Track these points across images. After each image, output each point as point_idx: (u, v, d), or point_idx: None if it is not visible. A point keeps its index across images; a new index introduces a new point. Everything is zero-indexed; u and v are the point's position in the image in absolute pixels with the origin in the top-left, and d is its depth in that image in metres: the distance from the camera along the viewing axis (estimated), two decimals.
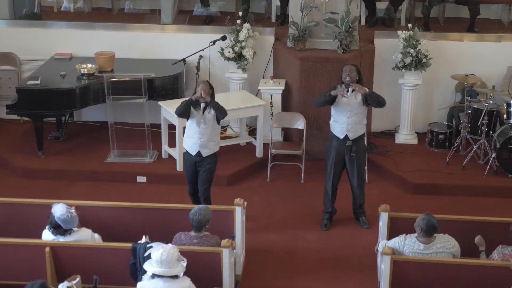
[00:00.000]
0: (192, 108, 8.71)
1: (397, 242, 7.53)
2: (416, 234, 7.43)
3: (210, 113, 8.70)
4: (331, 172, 9.25)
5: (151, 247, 6.87)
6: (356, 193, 9.31)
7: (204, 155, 8.82)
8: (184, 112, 8.75)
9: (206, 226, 7.60)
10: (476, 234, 7.82)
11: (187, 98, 8.82)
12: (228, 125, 11.75)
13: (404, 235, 7.56)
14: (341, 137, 9.06)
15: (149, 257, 6.77)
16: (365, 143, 9.49)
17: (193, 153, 8.83)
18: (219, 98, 11.13)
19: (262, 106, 10.89)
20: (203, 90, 8.58)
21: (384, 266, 7.41)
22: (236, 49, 11.16)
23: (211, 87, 8.77)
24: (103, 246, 7.60)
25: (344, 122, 9.00)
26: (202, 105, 8.68)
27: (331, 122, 9.18)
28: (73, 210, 7.48)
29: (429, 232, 7.33)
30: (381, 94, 11.34)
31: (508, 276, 6.99)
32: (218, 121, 8.77)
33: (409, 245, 7.44)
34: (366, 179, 10.23)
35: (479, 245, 7.71)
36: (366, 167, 9.87)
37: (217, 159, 8.99)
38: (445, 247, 7.41)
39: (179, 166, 10.36)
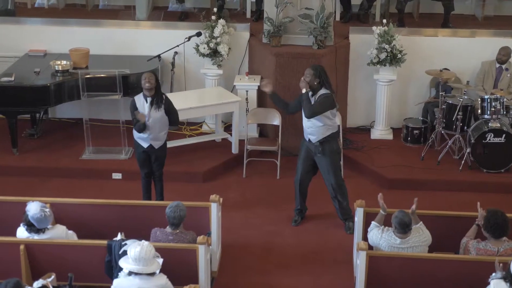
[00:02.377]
0: (137, 107, 8.84)
1: (375, 234, 7.59)
2: (393, 228, 7.49)
3: (158, 112, 8.83)
4: (299, 168, 9.27)
5: (126, 244, 6.85)
6: (332, 195, 9.21)
7: (156, 147, 8.99)
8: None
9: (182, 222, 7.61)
10: (451, 228, 7.88)
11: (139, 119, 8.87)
12: (204, 121, 11.73)
13: (382, 227, 7.60)
14: (306, 139, 9.10)
15: (124, 254, 6.74)
16: (338, 143, 9.27)
17: (145, 146, 8.99)
18: (194, 94, 11.19)
19: (237, 102, 10.89)
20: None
21: (360, 262, 7.44)
22: (211, 45, 11.14)
23: (157, 79, 8.89)
24: (78, 244, 7.57)
25: (305, 125, 9.05)
26: (149, 99, 8.79)
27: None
28: (47, 210, 7.41)
29: (402, 230, 7.38)
30: (356, 90, 11.45)
31: (482, 271, 7.02)
32: (167, 113, 8.94)
33: (385, 238, 7.49)
34: (342, 174, 10.28)
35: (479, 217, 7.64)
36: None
37: (166, 143, 9.18)
38: (420, 240, 7.47)
39: None
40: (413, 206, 7.67)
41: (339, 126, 9.72)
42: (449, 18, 12.10)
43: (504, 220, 7.36)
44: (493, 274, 6.72)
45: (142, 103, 8.84)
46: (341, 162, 9.76)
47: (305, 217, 9.49)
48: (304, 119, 8.98)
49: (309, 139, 9.03)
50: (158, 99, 8.83)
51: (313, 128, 8.94)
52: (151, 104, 8.80)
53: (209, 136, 11.36)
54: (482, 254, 7.36)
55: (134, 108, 8.88)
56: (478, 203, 7.73)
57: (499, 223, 7.33)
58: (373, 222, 7.74)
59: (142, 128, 8.81)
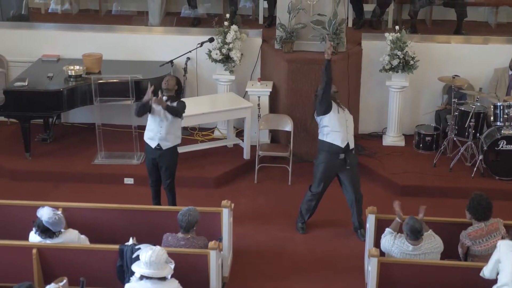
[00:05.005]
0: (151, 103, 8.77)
1: (387, 240, 7.59)
2: (405, 235, 7.48)
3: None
4: (322, 183, 9.13)
5: (139, 249, 6.87)
6: (354, 208, 9.18)
7: (164, 148, 8.90)
8: (142, 114, 8.91)
9: (194, 227, 7.61)
10: None
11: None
12: (216, 126, 11.75)
13: (394, 234, 7.60)
14: (343, 145, 8.92)
15: (137, 258, 6.77)
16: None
17: (153, 145, 8.92)
18: (206, 100, 11.20)
19: (249, 108, 10.90)
20: (156, 100, 8.64)
21: (371, 268, 7.43)
22: (224, 51, 11.16)
23: (178, 83, 8.95)
24: (90, 248, 7.59)
25: (343, 129, 8.89)
26: (165, 98, 8.76)
27: (326, 133, 8.93)
28: (59, 212, 7.48)
29: (414, 236, 7.38)
30: (368, 96, 11.46)
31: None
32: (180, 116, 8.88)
33: (398, 245, 7.48)
34: None
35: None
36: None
37: (177, 152, 9.06)
38: (432, 247, 7.47)
39: None
40: (421, 215, 7.67)
41: None
42: (462, 24, 12.09)
43: (488, 203, 7.64)
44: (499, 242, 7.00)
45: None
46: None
47: (316, 223, 9.48)
48: (343, 123, 8.89)
49: (347, 144, 8.91)
50: (173, 100, 8.84)
51: (351, 135, 9.00)
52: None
53: (221, 141, 11.37)
54: (473, 236, 7.55)
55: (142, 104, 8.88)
56: None
57: (482, 204, 7.60)
58: (387, 229, 7.73)
59: (142, 108, 8.80)
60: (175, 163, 9.09)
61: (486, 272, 7.03)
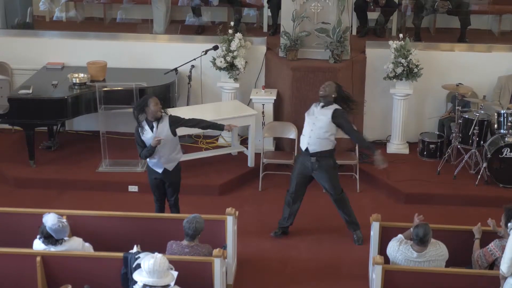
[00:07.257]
0: (140, 132, 8.60)
1: (393, 246, 7.58)
2: (411, 242, 7.47)
3: (163, 130, 8.54)
4: (293, 181, 9.21)
5: (139, 257, 6.87)
6: (336, 207, 9.25)
7: (170, 169, 8.77)
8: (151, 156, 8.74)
9: (199, 235, 7.61)
10: (467, 243, 7.85)
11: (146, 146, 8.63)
12: (220, 134, 11.76)
13: (400, 240, 7.60)
14: (303, 148, 8.99)
15: (137, 267, 6.76)
16: (334, 159, 9.14)
17: (160, 170, 8.77)
18: (210, 107, 11.22)
19: (253, 116, 10.91)
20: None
21: (375, 276, 7.43)
22: (228, 58, 11.17)
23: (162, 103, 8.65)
24: (95, 256, 7.59)
25: (307, 133, 8.95)
26: (155, 124, 8.53)
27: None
28: (64, 220, 7.48)
29: (420, 243, 7.36)
30: (372, 104, 11.43)
31: (498, 285, 6.99)
32: (174, 134, 8.65)
33: (402, 251, 7.47)
34: (358, 189, 10.36)
35: (475, 233, 7.79)
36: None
37: (180, 167, 8.93)
38: (437, 254, 7.45)
39: None
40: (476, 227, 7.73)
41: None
42: (465, 32, 12.10)
43: None
44: (509, 224, 6.94)
45: (147, 128, 8.61)
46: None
47: (320, 230, 9.48)
48: (308, 128, 8.92)
49: (306, 149, 8.93)
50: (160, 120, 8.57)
51: (314, 138, 8.88)
52: (157, 127, 8.55)
53: (225, 149, 11.38)
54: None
55: (140, 137, 8.65)
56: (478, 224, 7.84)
57: None
58: (400, 235, 7.71)
59: (151, 153, 8.60)
60: (179, 178, 8.99)
61: (507, 264, 6.76)
